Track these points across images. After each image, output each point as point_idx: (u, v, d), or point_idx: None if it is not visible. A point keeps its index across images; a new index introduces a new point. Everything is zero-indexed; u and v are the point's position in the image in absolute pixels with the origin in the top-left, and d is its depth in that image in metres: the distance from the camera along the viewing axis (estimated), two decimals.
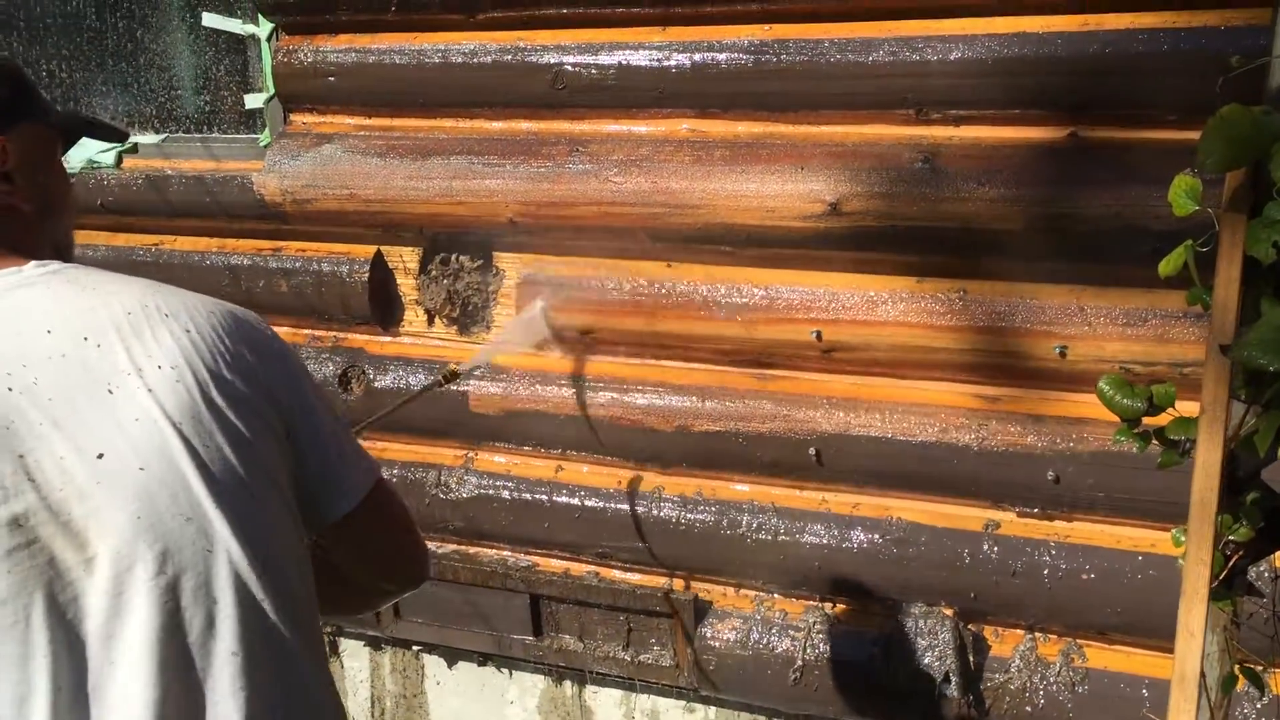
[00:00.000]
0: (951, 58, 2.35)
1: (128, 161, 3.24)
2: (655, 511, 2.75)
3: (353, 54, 2.89)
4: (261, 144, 3.07)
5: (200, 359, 1.18)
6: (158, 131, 3.30)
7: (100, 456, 1.11)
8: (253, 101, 3.07)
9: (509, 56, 2.74)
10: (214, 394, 1.18)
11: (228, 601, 1.15)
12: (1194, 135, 1.64)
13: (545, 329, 2.74)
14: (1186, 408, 1.77)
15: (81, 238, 3.26)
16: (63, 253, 1.31)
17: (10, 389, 1.11)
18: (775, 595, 2.72)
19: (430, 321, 2.99)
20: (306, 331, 3.13)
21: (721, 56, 2.54)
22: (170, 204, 3.13)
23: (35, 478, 1.10)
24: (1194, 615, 1.54)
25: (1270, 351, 1.47)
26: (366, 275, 2.96)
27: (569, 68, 2.68)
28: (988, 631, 2.54)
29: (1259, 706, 2.27)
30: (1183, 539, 1.69)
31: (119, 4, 3.27)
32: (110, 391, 1.13)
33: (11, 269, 1.20)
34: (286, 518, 1.25)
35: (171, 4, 3.23)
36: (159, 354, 1.16)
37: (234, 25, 3.07)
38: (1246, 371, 1.59)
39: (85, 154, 3.26)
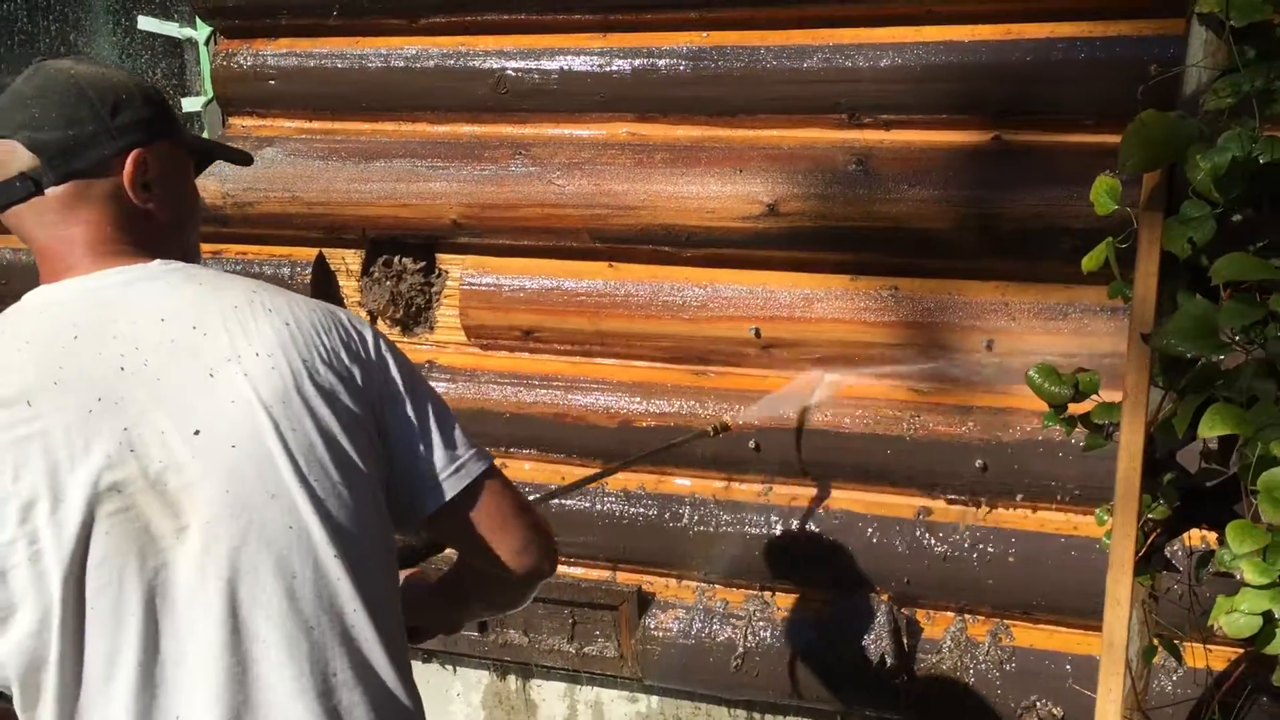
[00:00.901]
0: (882, 64, 2.45)
1: None
2: (599, 505, 2.81)
3: (293, 58, 2.91)
4: None
5: (297, 350, 1.28)
6: None
7: (197, 433, 1.21)
8: (191, 105, 3.07)
9: (451, 61, 2.78)
10: (306, 384, 1.27)
11: (306, 578, 1.23)
12: (1110, 138, 1.76)
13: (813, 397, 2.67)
14: (1106, 396, 1.88)
15: (9, 241, 3.23)
16: (190, 260, 1.40)
17: (123, 369, 1.22)
18: (716, 585, 2.80)
19: (374, 323, 3.01)
20: None
21: (661, 62, 2.62)
22: None
23: (136, 449, 1.19)
24: (1120, 586, 1.65)
25: (1186, 340, 1.58)
26: (309, 277, 2.98)
27: (511, 72, 2.73)
28: (920, 614, 2.64)
29: (1175, 678, 2.40)
30: (1106, 518, 1.80)
31: (51, 7, 3.24)
32: (212, 375, 1.23)
33: (140, 264, 1.31)
34: (372, 508, 1.32)
35: (106, 7, 3.21)
36: (259, 343, 1.26)
37: (171, 29, 3.07)
38: (1164, 359, 1.70)
39: None
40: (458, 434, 1.42)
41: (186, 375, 1.23)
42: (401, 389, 1.37)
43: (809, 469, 2.65)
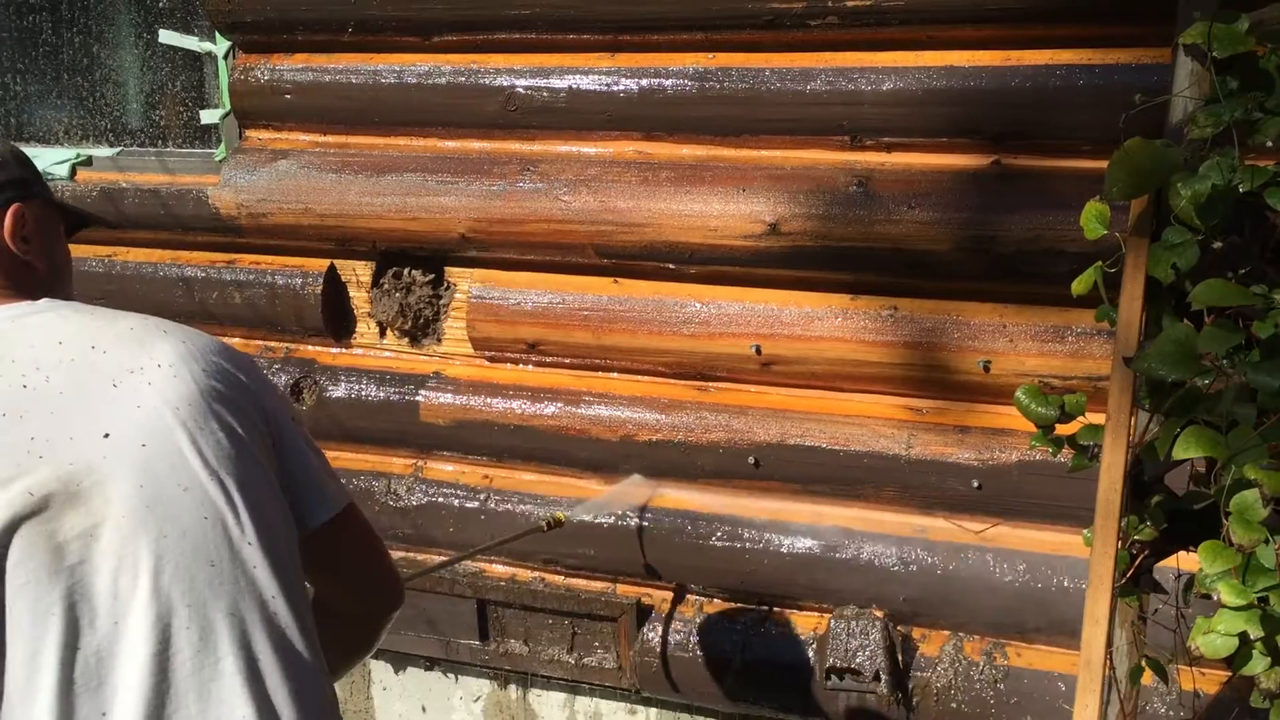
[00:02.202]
0: (884, 88, 2.49)
1: (81, 174, 3.29)
2: (600, 518, 2.85)
3: (309, 73, 2.97)
4: (217, 159, 3.13)
5: (196, 363, 1.33)
6: (112, 145, 3.35)
7: (106, 436, 1.24)
8: (209, 117, 3.13)
9: (463, 78, 2.84)
10: (208, 392, 1.32)
11: (224, 567, 1.27)
12: (1106, 164, 1.78)
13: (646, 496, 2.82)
14: (1099, 418, 1.91)
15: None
16: None
17: (25, 386, 1.25)
18: (715, 599, 2.83)
19: (382, 334, 3.07)
20: (259, 342, 3.20)
21: (668, 82, 2.66)
22: (125, 216, 3.18)
23: (45, 455, 1.22)
24: (1099, 604, 1.68)
25: (1168, 364, 1.61)
26: (320, 288, 3.04)
27: (521, 90, 2.78)
28: (916, 632, 2.66)
29: (1168, 700, 2.42)
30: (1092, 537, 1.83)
31: (75, 19, 3.32)
32: (115, 385, 1.28)
33: (26, 302, 1.37)
34: (279, 505, 1.37)
35: (129, 20, 3.28)
36: (160, 356, 1.32)
37: (191, 42, 3.14)
38: (1149, 382, 1.72)
39: (40, 165, 3.29)
40: (329, 465, 1.51)
41: (90, 386, 1.27)
42: (285, 413, 1.45)
43: (806, 485, 2.68)
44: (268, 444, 1.39)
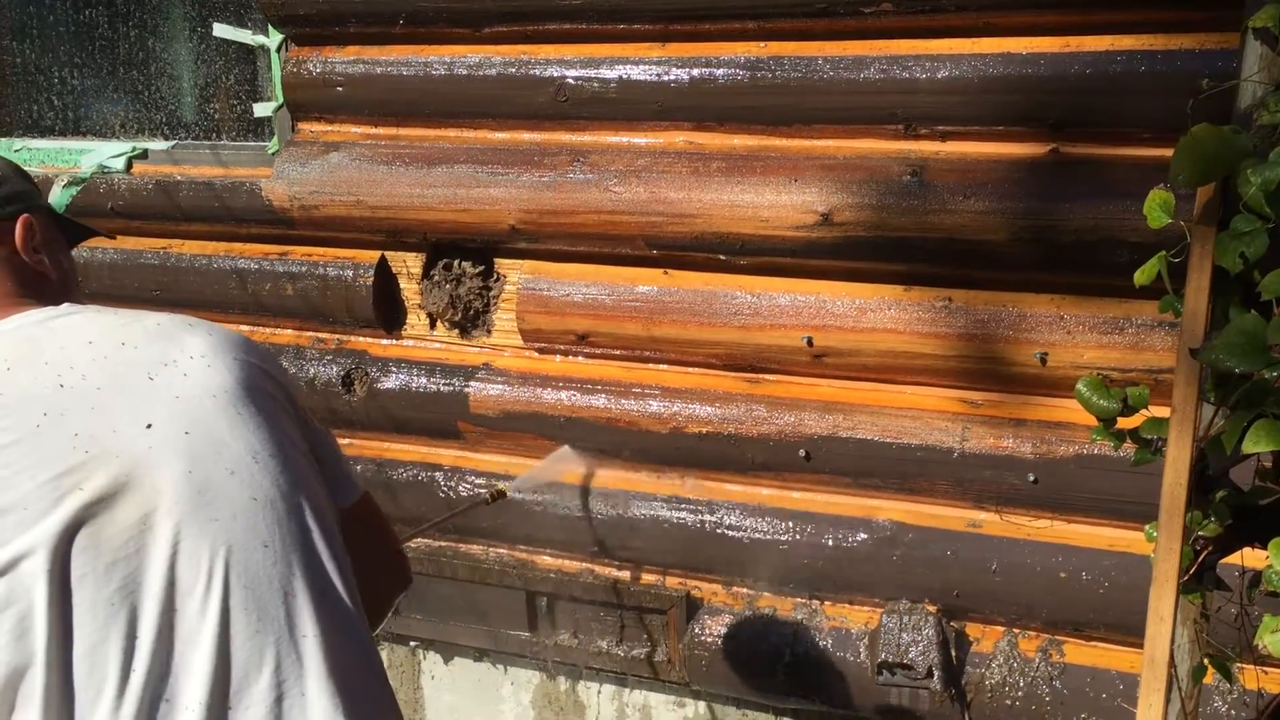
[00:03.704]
0: (939, 76, 2.45)
1: (138, 167, 3.32)
2: (649, 511, 2.84)
3: (361, 65, 2.98)
4: (270, 151, 3.15)
5: (228, 354, 1.35)
6: (167, 138, 3.38)
7: (149, 426, 1.26)
8: (262, 110, 3.15)
9: (513, 69, 2.83)
10: (243, 380, 1.34)
11: (277, 546, 1.28)
12: (1168, 152, 1.73)
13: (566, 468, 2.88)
14: (1159, 413, 1.87)
15: (90, 241, 3.34)
16: None
17: (62, 385, 1.26)
18: (764, 593, 2.81)
19: (432, 325, 3.08)
20: (310, 334, 3.22)
21: (719, 72, 2.64)
22: (179, 208, 3.21)
23: (90, 449, 1.23)
24: (1164, 601, 1.64)
25: (1235, 355, 1.56)
26: (371, 279, 3.05)
27: (571, 81, 2.77)
28: (970, 628, 2.63)
29: (1229, 699, 2.37)
30: (1155, 534, 1.79)
31: (131, 14, 3.35)
32: (151, 378, 1.29)
33: (48, 308, 1.39)
34: (320, 485, 1.40)
35: (183, 14, 3.32)
36: (190, 348, 1.33)
37: (244, 36, 3.16)
38: (1215, 375, 1.68)
39: (97, 159, 3.34)
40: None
41: (127, 381, 1.28)
42: (302, 403, 1.47)
43: (857, 479, 2.66)
44: (299, 427, 1.41)
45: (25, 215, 1.45)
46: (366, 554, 1.51)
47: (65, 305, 1.39)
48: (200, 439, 1.27)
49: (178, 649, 1.22)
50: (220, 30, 3.17)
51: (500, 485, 2.80)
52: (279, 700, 1.25)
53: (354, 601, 1.35)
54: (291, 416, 1.40)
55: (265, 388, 1.36)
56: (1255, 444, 1.48)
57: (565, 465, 2.84)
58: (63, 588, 1.19)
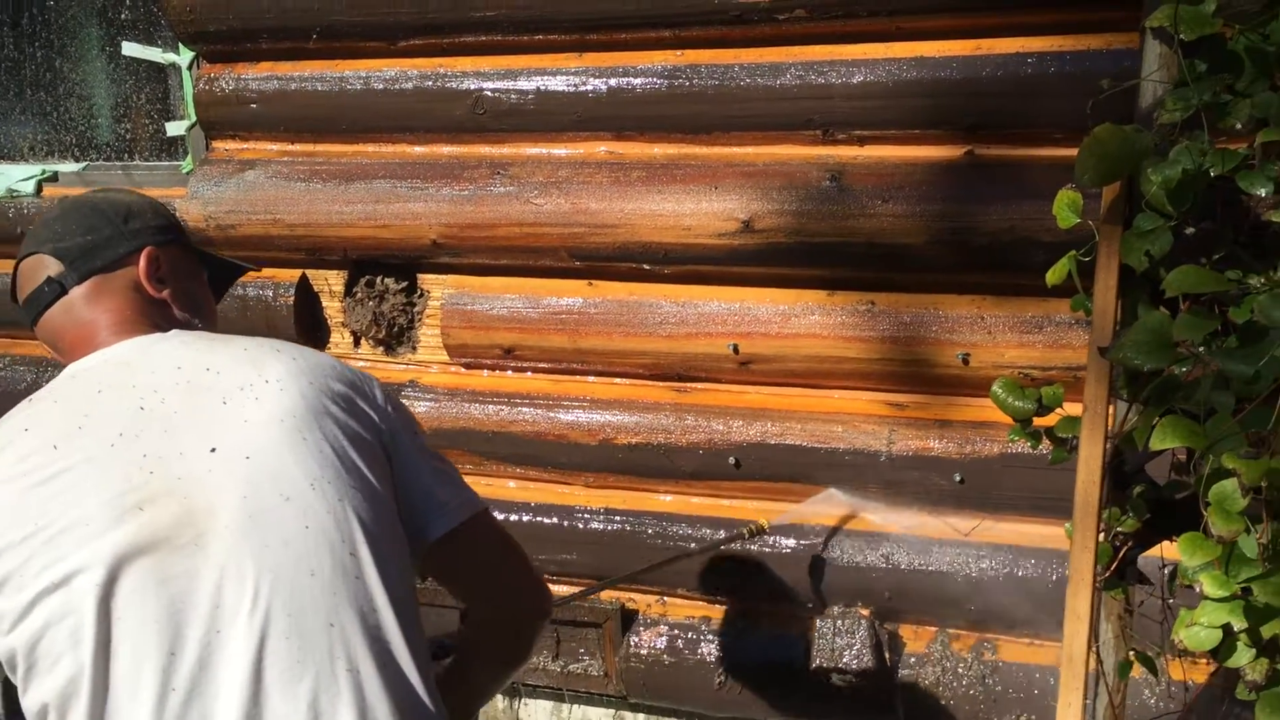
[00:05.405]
0: (854, 81, 2.46)
1: (48, 190, 3.24)
2: (581, 524, 2.81)
3: (274, 81, 2.93)
4: (184, 171, 3.09)
5: (305, 378, 1.38)
6: (78, 160, 3.30)
7: (213, 450, 1.29)
8: (174, 129, 3.09)
9: (430, 83, 2.80)
10: (315, 404, 1.35)
11: (324, 576, 1.28)
12: None
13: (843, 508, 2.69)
14: (1077, 411, 1.87)
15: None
16: None
17: (142, 408, 1.32)
18: (699, 602, 2.79)
19: (356, 343, 3.04)
20: None
21: (637, 81, 2.63)
22: None
23: (156, 470, 1.28)
24: (1080, 600, 1.65)
25: (1143, 352, 1.58)
26: (292, 299, 3.00)
27: (489, 93, 2.75)
28: (903, 629, 2.64)
29: (1158, 691, 2.39)
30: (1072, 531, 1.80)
31: (37, 34, 3.27)
32: (225, 403, 1.33)
33: (155, 334, 1.45)
34: (386, 514, 1.37)
35: (91, 34, 3.24)
36: (269, 373, 1.36)
37: (154, 54, 3.10)
38: (1127, 372, 1.70)
39: (5, 182, 3.25)
40: (457, 475, 1.52)
41: (201, 405, 1.33)
42: (403, 427, 1.46)
43: (787, 485, 2.65)
44: (381, 458, 1.40)
45: (149, 248, 1.50)
46: (475, 581, 1.52)
47: (173, 332, 1.45)
48: (260, 464, 1.29)
49: (219, 671, 1.23)
50: (130, 49, 3.11)
51: (761, 521, 2.63)
52: None
53: (409, 636, 1.34)
54: (369, 445, 1.38)
55: (343, 415, 1.37)
56: (1162, 440, 1.49)
57: (830, 507, 2.66)
58: (112, 605, 1.22)
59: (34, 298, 1.48)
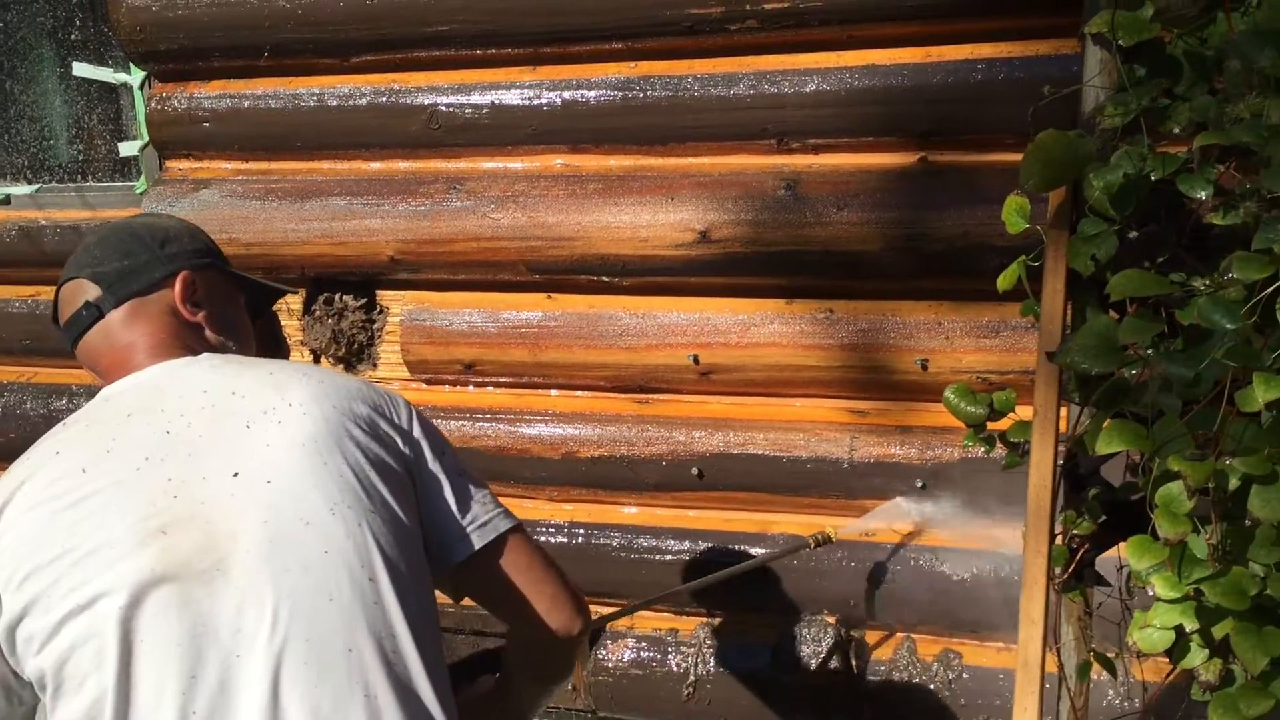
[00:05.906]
0: (807, 90, 2.47)
1: (0, 213, 3.20)
2: (546, 538, 2.80)
3: (227, 99, 2.91)
4: (138, 191, 3.07)
5: (329, 400, 1.38)
6: (30, 182, 3.27)
7: (236, 475, 1.31)
8: (127, 149, 3.07)
9: (384, 98, 2.79)
10: (338, 429, 1.36)
11: (343, 601, 1.28)
12: None
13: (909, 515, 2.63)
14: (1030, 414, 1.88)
15: None
16: None
17: (168, 433, 1.34)
18: (666, 614, 2.79)
19: (316, 361, 3.01)
20: None
21: (591, 94, 2.63)
22: (46, 255, 3.11)
23: (179, 494, 1.29)
24: (1034, 604, 1.65)
25: (1090, 356, 1.58)
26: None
27: (443, 108, 2.74)
28: (870, 635, 2.64)
29: (1122, 691, 2.40)
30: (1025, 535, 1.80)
31: None
32: (248, 427, 1.34)
33: (186, 357, 1.46)
34: (406, 540, 1.37)
35: (41, 55, 3.21)
36: (293, 397, 1.37)
37: (105, 74, 3.07)
38: (1077, 376, 1.70)
39: None
40: (486, 494, 1.51)
41: (225, 430, 1.34)
42: (429, 449, 1.46)
43: (750, 494, 2.65)
44: (405, 481, 1.40)
45: (185, 272, 1.51)
46: (507, 601, 1.49)
47: (203, 355, 1.46)
48: (281, 489, 1.30)
49: (238, 697, 1.23)
50: (80, 69, 3.08)
51: (829, 530, 2.55)
52: None
53: (428, 662, 1.33)
54: (392, 469, 1.38)
55: (365, 438, 1.36)
56: (1109, 444, 1.49)
57: (895, 518, 2.60)
58: (134, 628, 1.23)
59: (73, 321, 1.50)
